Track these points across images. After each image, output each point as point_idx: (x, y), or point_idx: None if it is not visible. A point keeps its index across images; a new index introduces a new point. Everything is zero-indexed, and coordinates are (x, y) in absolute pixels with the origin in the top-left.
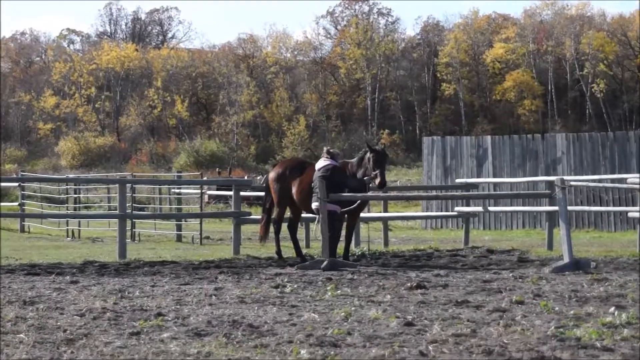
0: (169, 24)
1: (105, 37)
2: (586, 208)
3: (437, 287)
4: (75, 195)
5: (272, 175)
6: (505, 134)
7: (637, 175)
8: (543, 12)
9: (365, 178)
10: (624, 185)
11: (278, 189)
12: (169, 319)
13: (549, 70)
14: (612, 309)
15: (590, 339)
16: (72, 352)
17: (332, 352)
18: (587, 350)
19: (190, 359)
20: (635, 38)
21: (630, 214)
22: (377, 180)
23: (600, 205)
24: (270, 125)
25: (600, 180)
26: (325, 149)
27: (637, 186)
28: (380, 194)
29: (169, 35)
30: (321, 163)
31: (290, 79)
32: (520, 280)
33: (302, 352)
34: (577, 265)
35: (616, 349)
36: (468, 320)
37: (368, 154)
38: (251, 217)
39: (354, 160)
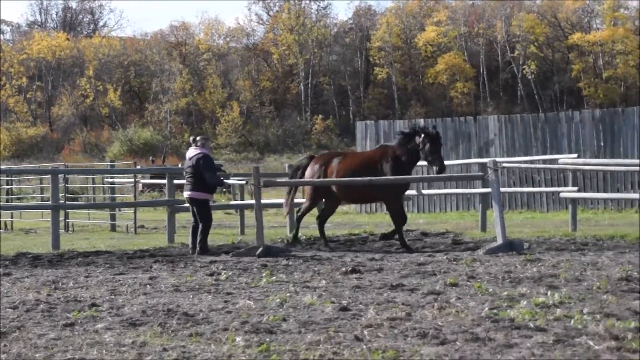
0: (100, 13)
1: (35, 26)
2: (519, 189)
3: (372, 271)
4: (8, 187)
5: (309, 172)
6: (438, 117)
7: (569, 155)
8: None
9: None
10: (556, 166)
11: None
12: (104, 309)
13: (481, 52)
14: (545, 289)
15: (524, 320)
16: (4, 345)
17: (267, 339)
18: (520, 331)
19: (125, 349)
20: (565, 19)
21: (562, 195)
22: (437, 168)
23: (533, 186)
24: (203, 113)
25: (532, 162)
26: (191, 137)
27: (569, 167)
28: (314, 180)
29: (101, 23)
30: (191, 152)
31: (223, 65)
32: (454, 262)
33: (238, 339)
34: (511, 246)
35: (549, 329)
36: (403, 304)
37: (420, 138)
38: (185, 205)
39: (395, 143)
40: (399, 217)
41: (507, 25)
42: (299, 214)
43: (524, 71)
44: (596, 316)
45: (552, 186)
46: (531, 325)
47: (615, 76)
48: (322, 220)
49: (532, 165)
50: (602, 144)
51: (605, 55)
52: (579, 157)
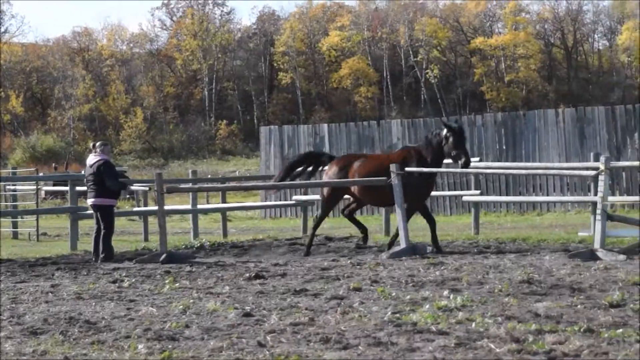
0: (1, 19)
1: None
2: None
3: (275, 277)
4: None
5: (328, 174)
6: (343, 122)
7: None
8: None
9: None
10: (458, 170)
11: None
12: (4, 318)
13: (384, 57)
14: (447, 292)
15: (426, 323)
16: None
17: (170, 346)
18: (422, 335)
19: (26, 358)
20: (468, 24)
21: (464, 198)
22: (462, 160)
23: (436, 190)
24: (107, 119)
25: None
26: (92, 144)
27: (471, 170)
28: (218, 184)
29: (2, 29)
30: (92, 159)
31: (127, 71)
32: (358, 267)
33: (140, 346)
34: (414, 250)
35: (451, 332)
36: (306, 309)
37: (445, 133)
38: (88, 212)
39: (420, 144)
40: (430, 218)
41: (410, 29)
42: (314, 223)
43: (427, 75)
44: (498, 319)
45: (455, 190)
46: (433, 328)
47: (517, 80)
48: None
49: (435, 169)
50: (504, 147)
51: (507, 59)
52: (481, 160)
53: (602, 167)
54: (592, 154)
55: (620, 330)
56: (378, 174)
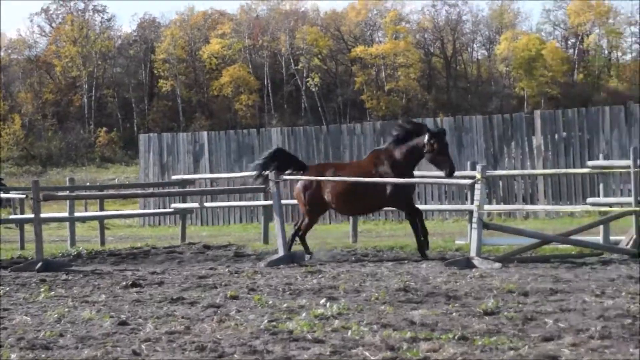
0: None
1: None
2: None
3: (152, 285)
4: None
5: (300, 185)
6: (223, 130)
7: None
8: (258, 7)
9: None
10: (337, 178)
11: (308, 198)
12: None
13: (265, 65)
14: (324, 300)
15: (302, 332)
16: None
17: (43, 355)
18: (298, 343)
19: None
20: (349, 32)
21: None
22: (447, 170)
23: None
24: None
25: None
26: None
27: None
28: (96, 192)
29: None
30: None
31: (4, 77)
32: (235, 275)
33: (13, 356)
34: (292, 258)
35: (327, 340)
36: (182, 317)
37: (427, 139)
38: None
39: (388, 145)
40: (420, 215)
41: (291, 37)
42: (301, 233)
43: (308, 84)
44: (373, 327)
45: None
46: (309, 337)
47: (397, 88)
48: (303, 233)
49: (313, 177)
50: None
51: (387, 68)
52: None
53: (478, 175)
54: (469, 163)
55: (494, 337)
56: (352, 184)
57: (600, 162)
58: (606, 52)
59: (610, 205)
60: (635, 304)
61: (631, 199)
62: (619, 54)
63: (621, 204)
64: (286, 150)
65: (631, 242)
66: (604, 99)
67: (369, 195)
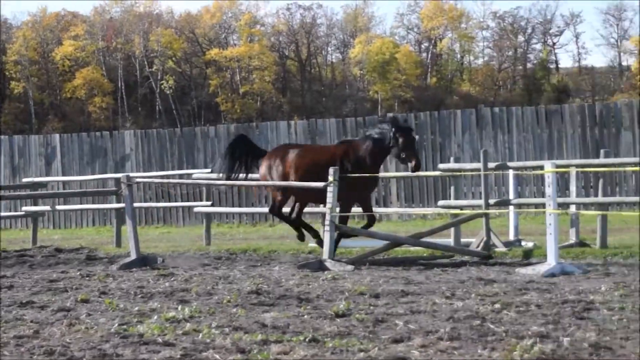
0: None
1: None
2: (154, 204)
3: (2, 289)
4: None
5: (264, 169)
6: (77, 132)
7: (203, 170)
8: (112, 9)
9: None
10: (190, 181)
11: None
12: None
13: (119, 67)
14: (176, 303)
15: (153, 335)
16: None
17: None
18: (149, 346)
19: None
20: (203, 35)
21: (196, 209)
22: (413, 163)
23: (169, 201)
24: None
25: (167, 177)
26: None
27: (202, 181)
28: None
29: None
30: None
31: None
32: (87, 278)
33: None
34: (144, 261)
35: (177, 344)
36: (32, 321)
37: (392, 133)
38: None
39: (360, 139)
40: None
41: (145, 40)
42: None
43: (162, 86)
44: (225, 329)
45: (187, 201)
46: (160, 340)
47: (252, 91)
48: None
49: (167, 180)
50: None
51: (242, 71)
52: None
53: (330, 178)
54: None
55: (345, 340)
56: (317, 166)
57: (452, 165)
58: (459, 56)
59: (461, 207)
60: (484, 305)
61: (482, 202)
62: (471, 58)
63: (472, 207)
64: (243, 142)
65: (481, 244)
66: (456, 102)
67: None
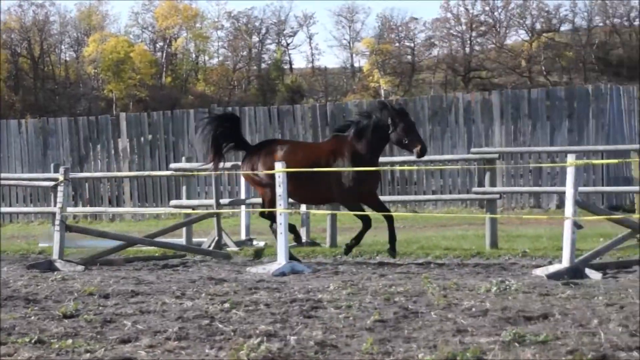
0: None
1: None
2: None
3: None
4: None
5: (247, 165)
6: None
7: None
8: None
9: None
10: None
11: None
12: None
13: None
14: None
15: None
16: None
17: None
18: None
19: None
20: None
21: None
22: (418, 148)
23: None
24: None
25: None
26: None
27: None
28: None
29: None
30: None
31: None
32: None
33: None
34: None
35: None
36: None
37: (389, 118)
38: None
39: (352, 133)
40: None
41: None
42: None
43: None
44: None
45: None
46: None
47: None
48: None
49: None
50: None
51: None
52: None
53: (61, 177)
54: (52, 165)
55: (71, 340)
56: (310, 165)
57: (183, 164)
58: (194, 55)
59: (193, 207)
60: (214, 305)
61: (213, 201)
62: (206, 57)
63: (205, 206)
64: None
65: (213, 244)
66: (191, 102)
67: (323, 183)
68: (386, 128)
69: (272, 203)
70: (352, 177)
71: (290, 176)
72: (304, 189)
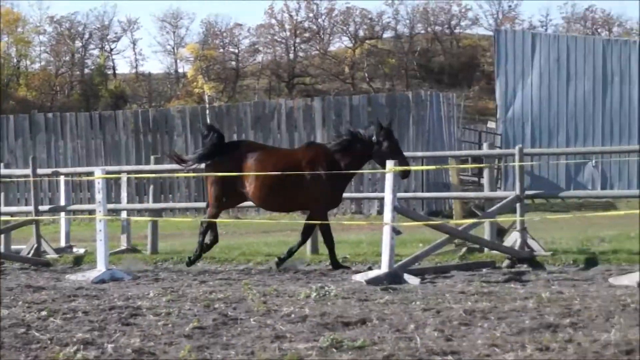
0: None
1: None
2: None
3: None
4: None
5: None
6: None
7: None
8: None
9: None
10: None
11: (218, 188)
12: None
13: None
14: None
15: None
16: None
17: None
18: None
19: None
20: None
21: None
22: (401, 169)
23: None
24: None
25: None
26: None
27: None
28: None
29: None
30: None
31: None
32: None
33: None
34: None
35: None
36: None
37: (375, 135)
38: None
39: (333, 145)
40: (329, 233)
41: None
42: (205, 225)
43: None
44: None
45: None
46: None
47: None
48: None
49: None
50: None
51: None
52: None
53: None
54: None
55: None
56: (281, 171)
57: (1, 171)
58: (15, 60)
59: (12, 214)
60: (31, 313)
61: (32, 208)
62: (28, 62)
63: (24, 213)
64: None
65: (32, 251)
66: (12, 107)
67: (296, 191)
68: (369, 144)
69: (218, 213)
70: (328, 188)
71: (261, 187)
72: (284, 199)
